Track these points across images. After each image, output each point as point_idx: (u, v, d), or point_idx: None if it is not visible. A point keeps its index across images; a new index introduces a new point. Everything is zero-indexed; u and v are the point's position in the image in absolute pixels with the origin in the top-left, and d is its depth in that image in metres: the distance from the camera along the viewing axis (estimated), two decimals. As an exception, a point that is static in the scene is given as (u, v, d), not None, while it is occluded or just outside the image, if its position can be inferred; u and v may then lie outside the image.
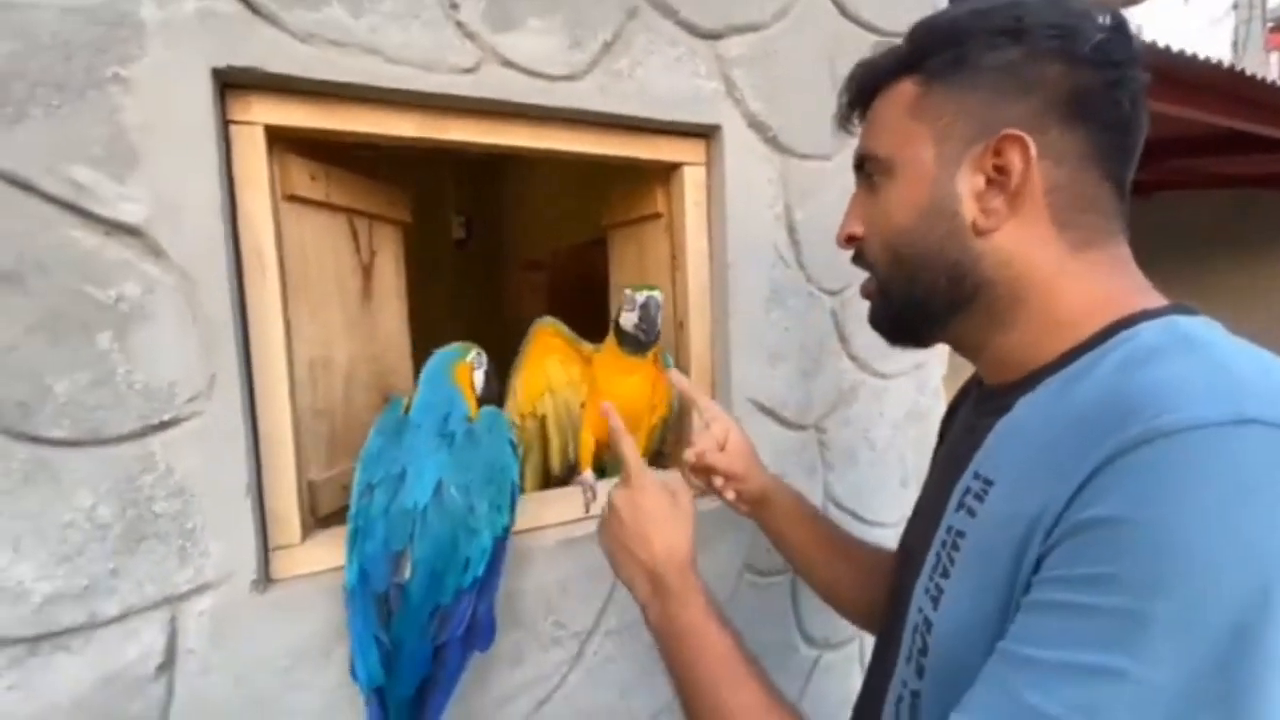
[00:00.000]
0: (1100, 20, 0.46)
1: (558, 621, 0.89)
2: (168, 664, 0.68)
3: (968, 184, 0.48)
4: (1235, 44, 7.25)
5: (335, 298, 0.87)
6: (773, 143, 0.98)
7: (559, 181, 2.82)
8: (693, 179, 0.96)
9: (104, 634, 0.66)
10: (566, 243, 2.73)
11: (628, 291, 0.92)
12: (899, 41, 0.52)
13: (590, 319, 0.99)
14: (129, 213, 0.64)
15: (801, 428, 1.05)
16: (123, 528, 0.66)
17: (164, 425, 0.67)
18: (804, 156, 1.00)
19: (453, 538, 0.69)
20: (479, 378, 0.82)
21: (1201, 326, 0.43)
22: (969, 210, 0.48)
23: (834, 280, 1.05)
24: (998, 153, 0.46)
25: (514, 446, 0.77)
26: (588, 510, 0.93)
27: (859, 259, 0.57)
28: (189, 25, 0.65)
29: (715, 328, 1.00)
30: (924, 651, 0.48)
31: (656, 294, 0.90)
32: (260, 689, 0.72)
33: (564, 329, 1.01)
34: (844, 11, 1.03)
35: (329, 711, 0.75)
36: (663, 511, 0.59)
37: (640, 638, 0.93)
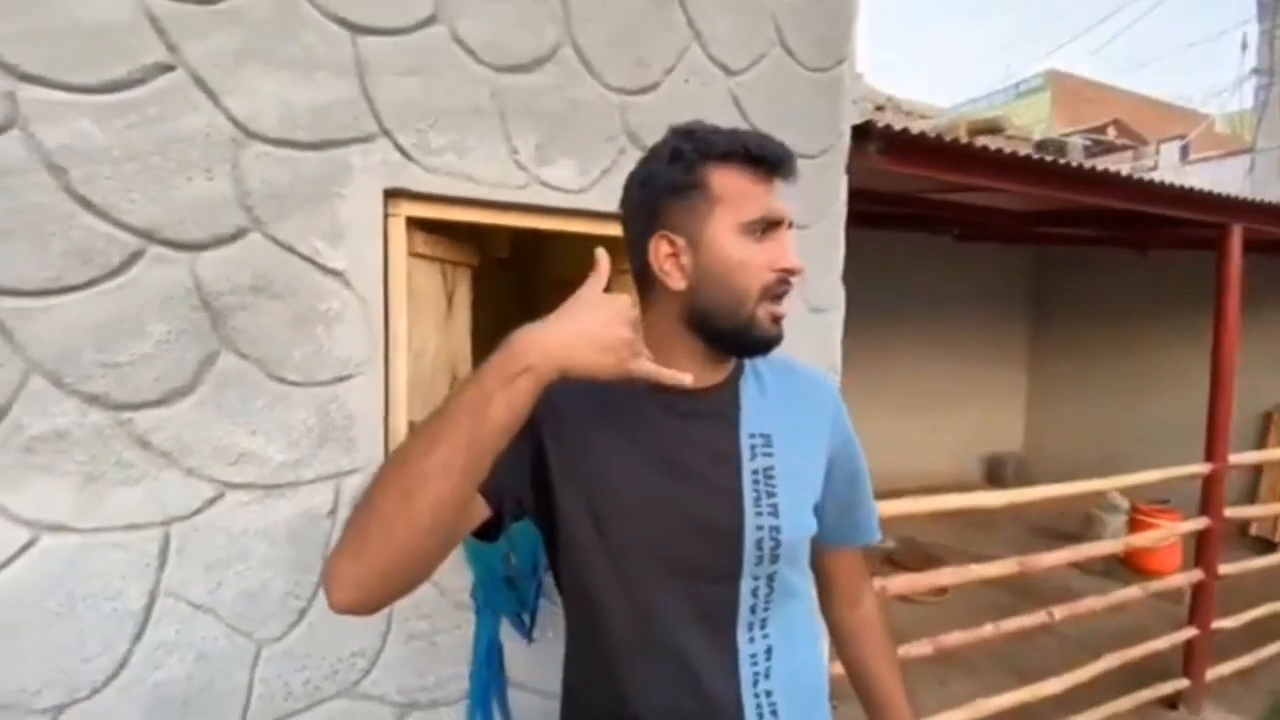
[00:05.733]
0: None
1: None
2: (334, 510, 1.23)
3: None
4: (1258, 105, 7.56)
5: (431, 314, 1.42)
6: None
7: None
8: (657, 250, 1.50)
9: (303, 489, 1.21)
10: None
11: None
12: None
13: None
14: (337, 263, 1.20)
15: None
16: (319, 432, 1.21)
17: (344, 379, 1.22)
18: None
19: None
20: None
21: None
22: None
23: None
24: None
25: None
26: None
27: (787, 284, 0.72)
28: (374, 166, 1.22)
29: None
30: (776, 545, 0.71)
31: None
32: (379, 532, 1.26)
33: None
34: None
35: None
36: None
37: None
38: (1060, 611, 2.40)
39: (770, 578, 0.73)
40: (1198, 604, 2.88)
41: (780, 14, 1.54)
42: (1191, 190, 2.44)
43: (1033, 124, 12.00)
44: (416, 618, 1.31)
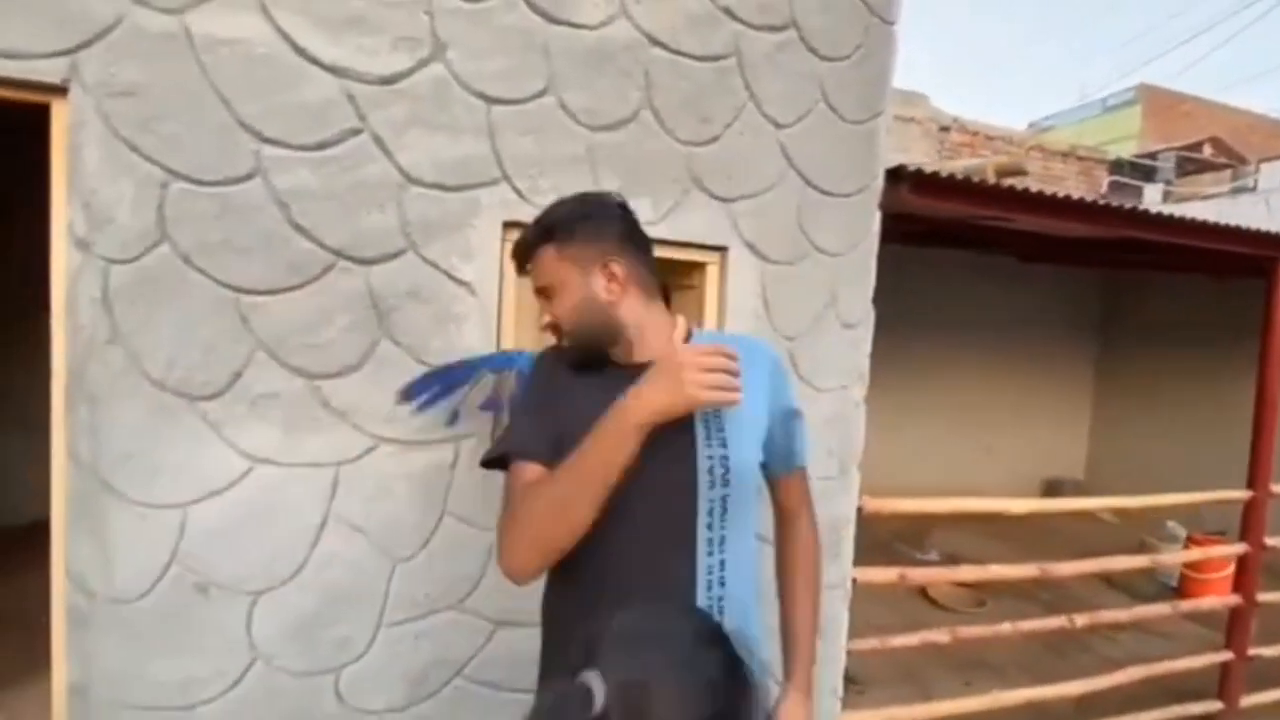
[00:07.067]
0: (616, 199, 1.01)
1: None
2: (454, 464, 1.61)
3: (600, 283, 0.95)
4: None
5: (528, 316, 1.79)
6: (756, 252, 1.82)
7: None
8: (712, 271, 1.82)
9: (434, 447, 1.59)
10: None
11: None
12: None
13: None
14: (467, 276, 1.58)
15: (762, 411, 1.86)
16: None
17: (466, 364, 1.60)
18: (774, 261, 1.83)
19: None
20: None
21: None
22: (604, 295, 0.95)
23: (791, 330, 1.86)
24: (606, 265, 0.95)
25: None
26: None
27: (554, 331, 0.99)
28: (496, 204, 1.60)
29: (717, 351, 1.84)
30: (726, 471, 0.92)
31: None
32: (488, 481, 1.63)
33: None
34: (808, 182, 1.85)
35: (511, 502, 1.65)
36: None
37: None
38: (1082, 619, 2.54)
39: (724, 500, 0.93)
40: (1234, 629, 2.94)
41: (825, 77, 1.84)
42: (1224, 226, 2.56)
43: (1119, 141, 11.55)
44: (509, 554, 1.67)
